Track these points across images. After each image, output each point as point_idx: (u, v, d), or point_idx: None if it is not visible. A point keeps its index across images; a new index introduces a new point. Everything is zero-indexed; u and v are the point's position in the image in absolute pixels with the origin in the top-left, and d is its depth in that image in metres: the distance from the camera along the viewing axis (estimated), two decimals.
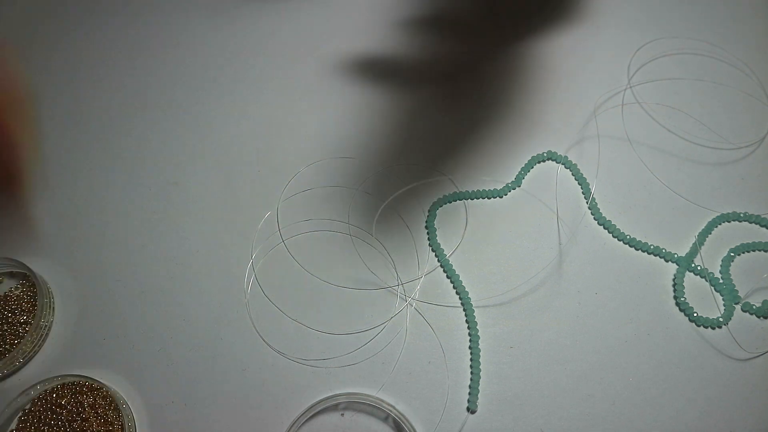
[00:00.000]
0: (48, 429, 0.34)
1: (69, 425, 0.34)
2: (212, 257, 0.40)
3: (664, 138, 0.42)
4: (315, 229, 0.40)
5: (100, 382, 0.35)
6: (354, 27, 0.49)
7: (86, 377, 0.35)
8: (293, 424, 0.33)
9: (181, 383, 0.36)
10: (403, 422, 0.33)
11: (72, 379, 0.35)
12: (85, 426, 0.34)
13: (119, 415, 0.34)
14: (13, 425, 0.34)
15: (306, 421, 0.34)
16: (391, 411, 0.34)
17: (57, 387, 0.35)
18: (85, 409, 0.34)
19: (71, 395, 0.35)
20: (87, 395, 0.34)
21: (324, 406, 0.34)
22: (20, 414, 0.35)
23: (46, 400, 0.35)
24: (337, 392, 0.35)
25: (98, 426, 0.34)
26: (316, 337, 0.37)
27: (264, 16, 0.49)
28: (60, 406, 0.34)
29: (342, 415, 0.34)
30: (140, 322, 0.38)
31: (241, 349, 0.36)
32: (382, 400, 0.34)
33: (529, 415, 0.34)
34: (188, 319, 0.38)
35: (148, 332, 0.37)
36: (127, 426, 0.34)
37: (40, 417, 0.34)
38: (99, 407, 0.34)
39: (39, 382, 0.35)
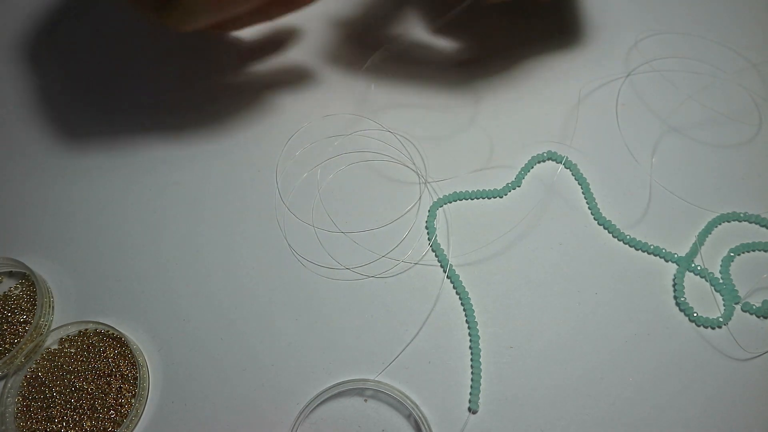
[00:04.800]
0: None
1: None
2: (214, 256, 0.40)
3: (664, 137, 0.42)
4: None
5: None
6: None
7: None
8: (316, 397, 0.34)
9: (180, 383, 0.36)
10: (422, 424, 0.33)
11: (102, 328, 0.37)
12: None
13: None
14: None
15: (331, 397, 0.35)
16: (414, 410, 0.34)
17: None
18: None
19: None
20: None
21: (350, 387, 0.35)
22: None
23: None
24: (368, 377, 0.35)
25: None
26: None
27: None
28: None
29: (366, 401, 0.35)
30: (140, 322, 0.38)
31: (245, 350, 0.37)
32: (408, 397, 0.34)
33: (529, 415, 0.34)
34: (189, 319, 0.38)
35: (147, 332, 0.37)
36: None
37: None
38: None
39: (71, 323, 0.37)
